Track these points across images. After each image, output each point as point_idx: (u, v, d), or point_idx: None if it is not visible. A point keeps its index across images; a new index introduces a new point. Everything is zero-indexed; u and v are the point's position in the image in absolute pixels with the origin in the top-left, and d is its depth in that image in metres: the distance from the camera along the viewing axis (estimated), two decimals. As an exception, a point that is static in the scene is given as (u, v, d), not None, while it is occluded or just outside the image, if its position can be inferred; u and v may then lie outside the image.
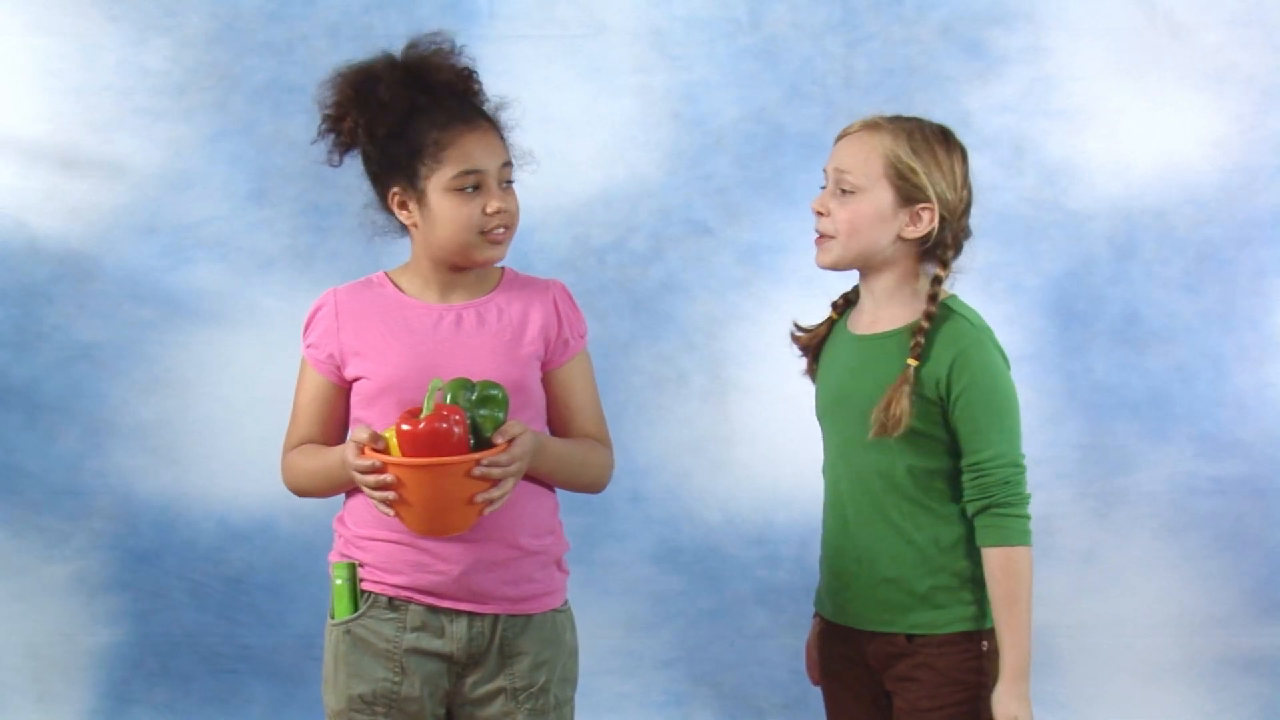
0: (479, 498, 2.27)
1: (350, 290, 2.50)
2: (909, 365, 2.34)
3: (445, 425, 2.22)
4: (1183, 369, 3.86)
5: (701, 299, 3.91)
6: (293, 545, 3.85)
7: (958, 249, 2.44)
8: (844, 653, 2.49)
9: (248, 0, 3.88)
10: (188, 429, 3.88)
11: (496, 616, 2.42)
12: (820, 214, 2.44)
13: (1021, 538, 2.34)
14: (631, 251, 3.91)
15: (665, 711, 3.88)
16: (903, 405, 2.32)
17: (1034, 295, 3.86)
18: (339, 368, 2.45)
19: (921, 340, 2.35)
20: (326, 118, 2.44)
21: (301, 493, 2.51)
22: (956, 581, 2.38)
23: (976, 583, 2.38)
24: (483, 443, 2.28)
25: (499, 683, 2.42)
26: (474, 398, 2.28)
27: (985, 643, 2.38)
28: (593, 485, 2.54)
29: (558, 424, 2.52)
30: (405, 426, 2.24)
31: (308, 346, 2.49)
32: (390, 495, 2.26)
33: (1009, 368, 2.42)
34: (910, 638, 2.39)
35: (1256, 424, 3.86)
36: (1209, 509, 3.85)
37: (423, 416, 2.24)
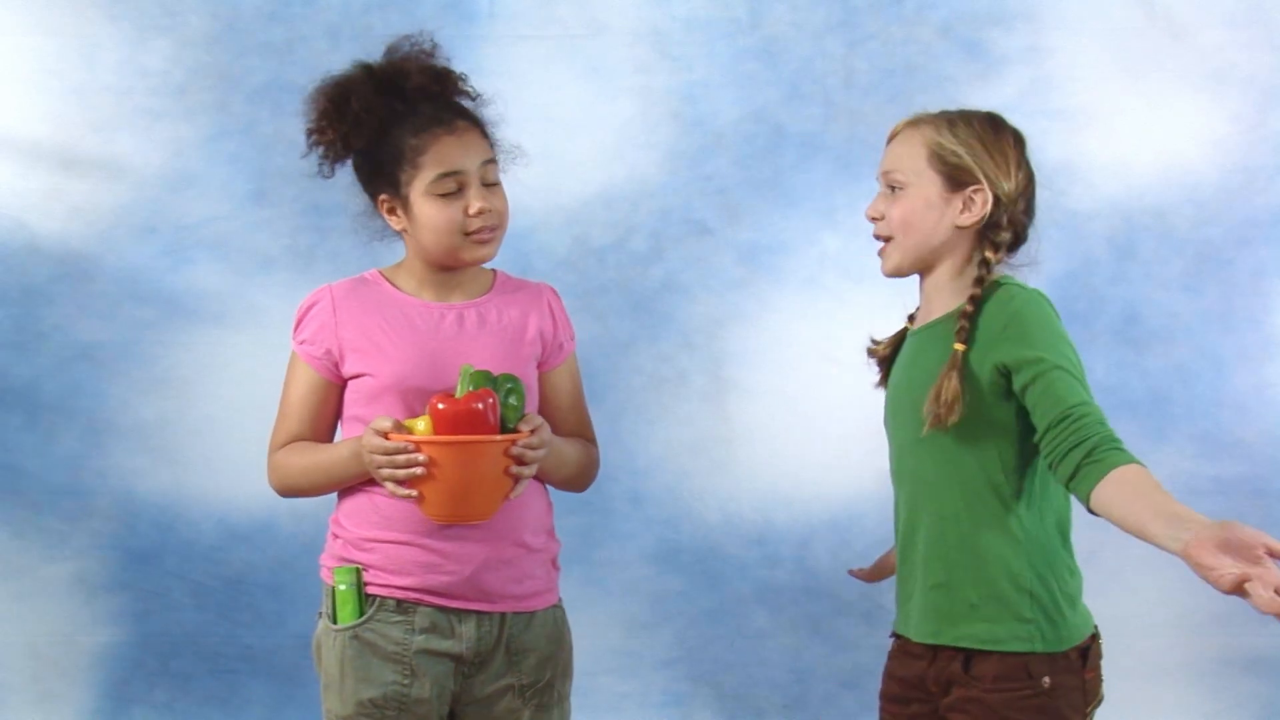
0: (513, 470, 2.29)
1: (347, 287, 2.50)
2: (955, 350, 2.22)
3: (482, 406, 2.26)
4: (1183, 369, 3.86)
5: (701, 299, 3.90)
6: (292, 545, 3.85)
7: (1017, 234, 2.33)
8: (905, 676, 2.34)
9: (247, 1, 3.89)
10: (188, 429, 3.88)
11: (503, 615, 2.42)
12: (875, 219, 2.36)
13: (1132, 458, 2.08)
14: (631, 252, 3.91)
15: (665, 712, 3.88)
16: (953, 390, 2.19)
17: (1034, 295, 3.86)
18: (336, 364, 2.45)
19: (966, 324, 2.23)
20: (310, 132, 2.46)
21: (292, 492, 2.49)
22: (1012, 590, 2.23)
23: (1034, 597, 2.23)
24: (506, 432, 2.31)
25: (507, 680, 2.43)
26: (496, 388, 2.32)
27: (1047, 679, 2.21)
28: (584, 484, 2.56)
29: (548, 424, 2.52)
30: (442, 406, 2.26)
31: (301, 343, 2.48)
32: (417, 472, 2.27)
33: (1059, 318, 2.29)
34: (967, 664, 2.24)
35: (1256, 424, 3.86)
36: (1209, 509, 3.79)
37: (459, 396, 2.27)
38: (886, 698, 2.40)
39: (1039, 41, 3.87)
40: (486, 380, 2.31)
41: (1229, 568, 1.94)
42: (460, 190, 2.39)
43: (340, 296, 2.47)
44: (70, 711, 3.88)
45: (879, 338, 2.47)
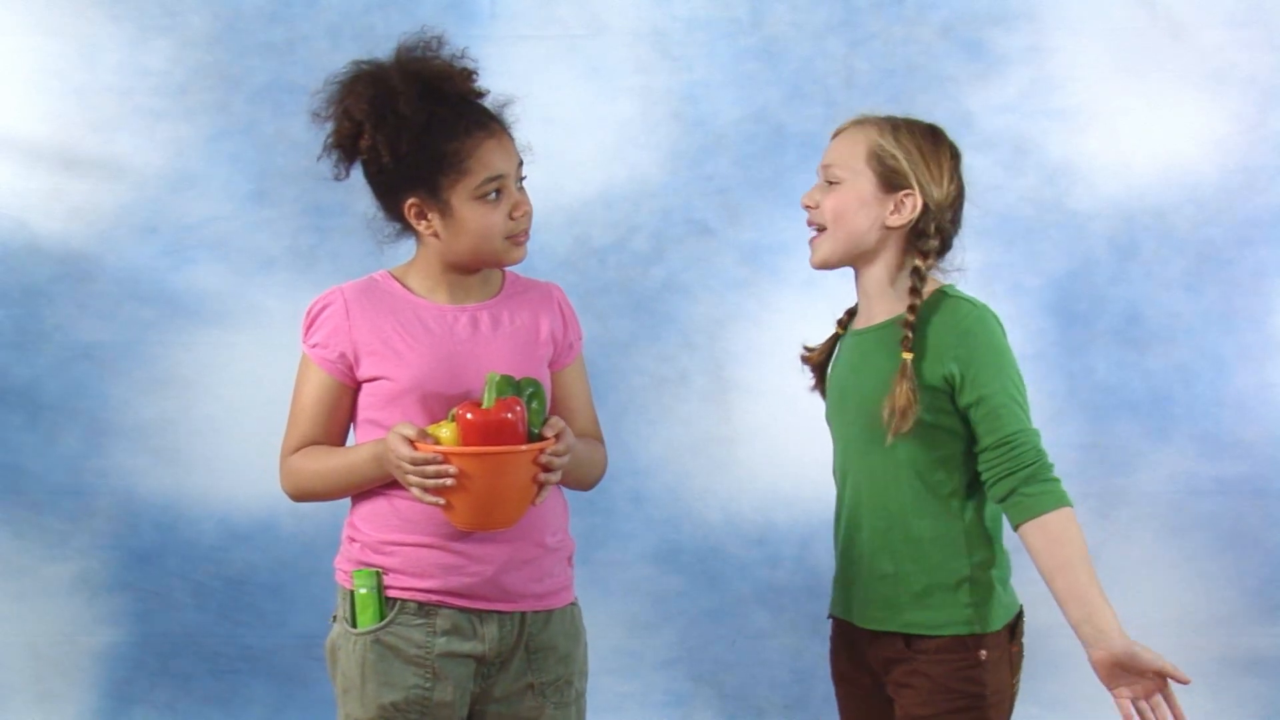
0: (541, 477, 2.29)
1: (358, 289, 2.46)
2: (904, 360, 2.32)
3: (511, 415, 2.25)
4: (1184, 369, 3.86)
5: (702, 299, 3.91)
6: (294, 545, 3.85)
7: (944, 243, 2.43)
8: (850, 655, 2.48)
9: (248, 1, 3.89)
10: (189, 429, 3.88)
11: (523, 614, 2.41)
12: (809, 207, 2.48)
13: (1062, 499, 2.28)
14: (633, 252, 3.91)
15: (666, 712, 3.88)
16: (905, 398, 2.30)
17: (1035, 295, 3.87)
18: (351, 367, 2.42)
19: (909, 334, 2.34)
20: (338, 133, 2.40)
21: (307, 496, 2.46)
22: (953, 580, 2.35)
23: (975, 584, 2.35)
24: (531, 437, 2.30)
25: (527, 679, 2.43)
26: (520, 393, 2.31)
27: (984, 652, 2.34)
28: (594, 483, 2.55)
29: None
30: (470, 416, 2.24)
31: (313, 346, 2.44)
32: (447, 483, 2.25)
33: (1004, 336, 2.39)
34: (908, 642, 2.36)
35: (1257, 424, 3.86)
36: (1210, 509, 3.85)
37: (486, 407, 2.25)
38: (838, 677, 2.51)
39: (1040, 41, 3.87)
40: (511, 386, 2.30)
41: (1124, 694, 2.31)
42: (501, 194, 2.40)
43: (353, 298, 2.44)
44: (71, 711, 3.88)
45: (811, 344, 2.57)
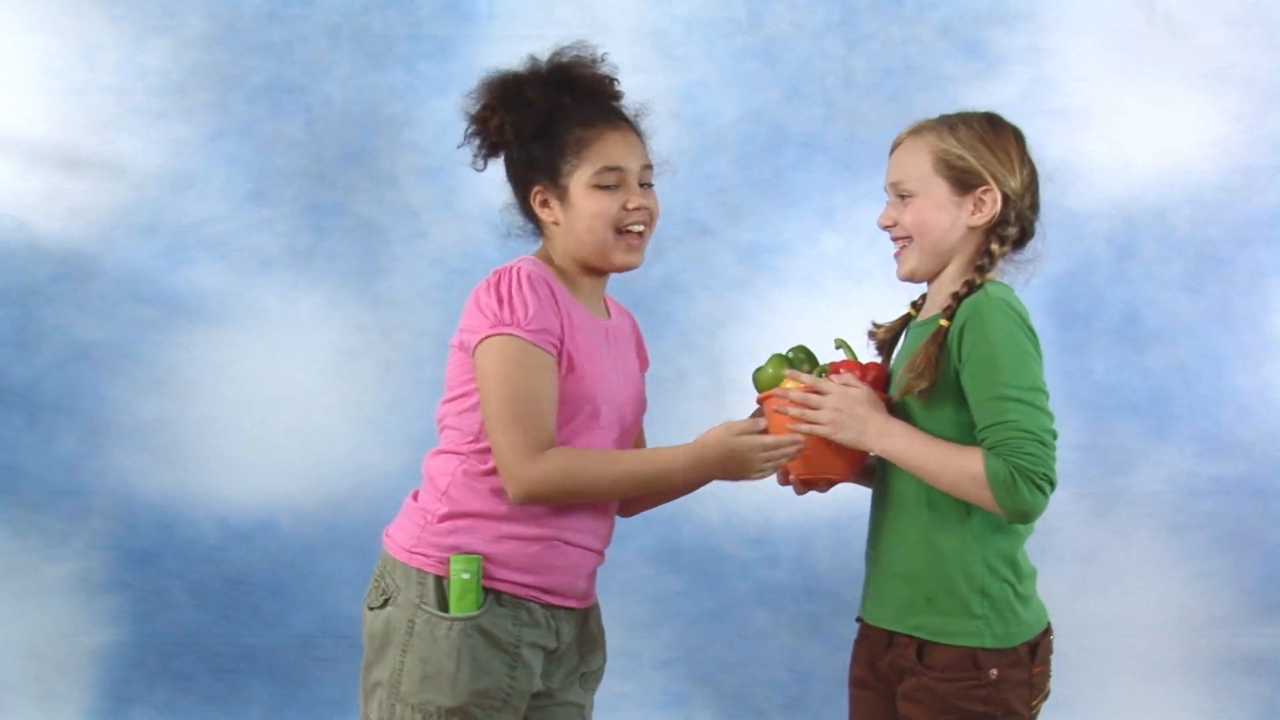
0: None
1: (545, 272, 2.38)
2: (941, 325, 2.30)
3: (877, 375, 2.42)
4: (1183, 369, 3.86)
5: (701, 299, 3.91)
6: (292, 545, 3.85)
7: (1024, 228, 2.42)
8: (868, 660, 2.44)
9: (247, 1, 3.89)
10: (188, 429, 3.88)
11: (585, 610, 2.49)
12: (889, 227, 2.43)
13: (995, 470, 2.26)
14: (631, 251, 3.91)
15: (665, 712, 3.88)
16: (927, 358, 2.28)
17: (1034, 295, 3.79)
18: (558, 354, 2.35)
19: (954, 304, 2.32)
20: (473, 120, 2.44)
21: (574, 497, 2.38)
22: (967, 589, 2.30)
23: (986, 595, 2.30)
24: None
25: (580, 670, 2.51)
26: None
27: (994, 670, 2.30)
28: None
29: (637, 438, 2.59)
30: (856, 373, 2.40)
31: (539, 331, 2.31)
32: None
33: (1032, 340, 2.34)
34: (920, 653, 2.32)
35: (1256, 424, 3.86)
36: (1209, 509, 3.85)
37: (868, 363, 2.42)
38: (853, 682, 2.47)
39: (1039, 41, 3.87)
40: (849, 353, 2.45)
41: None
42: (619, 186, 2.42)
43: (552, 282, 2.38)
44: (71, 711, 3.88)
45: (881, 321, 2.53)
